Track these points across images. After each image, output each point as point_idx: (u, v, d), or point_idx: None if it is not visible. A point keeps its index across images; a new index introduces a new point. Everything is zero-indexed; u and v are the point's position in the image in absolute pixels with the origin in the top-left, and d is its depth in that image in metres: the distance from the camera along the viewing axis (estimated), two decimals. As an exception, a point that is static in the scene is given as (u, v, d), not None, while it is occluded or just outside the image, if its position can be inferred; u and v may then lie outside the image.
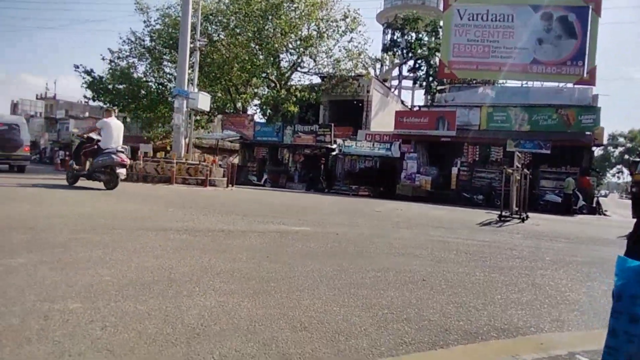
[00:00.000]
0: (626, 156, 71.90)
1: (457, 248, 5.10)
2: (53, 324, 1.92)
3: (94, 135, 9.64)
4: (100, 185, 9.30)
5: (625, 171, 73.51)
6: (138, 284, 2.63)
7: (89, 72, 25.66)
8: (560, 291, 3.34)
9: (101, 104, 28.98)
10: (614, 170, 75.61)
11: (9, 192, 7.78)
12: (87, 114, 48.37)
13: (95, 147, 9.41)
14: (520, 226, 8.61)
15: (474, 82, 23.58)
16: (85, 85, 25.76)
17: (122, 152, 9.48)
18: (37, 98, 60.57)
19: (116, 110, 13.58)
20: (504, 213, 9.64)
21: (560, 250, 5.68)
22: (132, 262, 3.13)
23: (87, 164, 9.52)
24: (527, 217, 9.85)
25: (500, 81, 22.54)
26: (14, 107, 65.23)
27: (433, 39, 31.30)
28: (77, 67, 25.72)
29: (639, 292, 1.14)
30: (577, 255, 5.37)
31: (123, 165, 9.45)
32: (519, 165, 10.35)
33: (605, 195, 46.55)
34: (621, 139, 72.12)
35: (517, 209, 9.95)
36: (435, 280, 3.37)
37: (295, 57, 26.23)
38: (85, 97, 27.22)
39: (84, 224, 4.63)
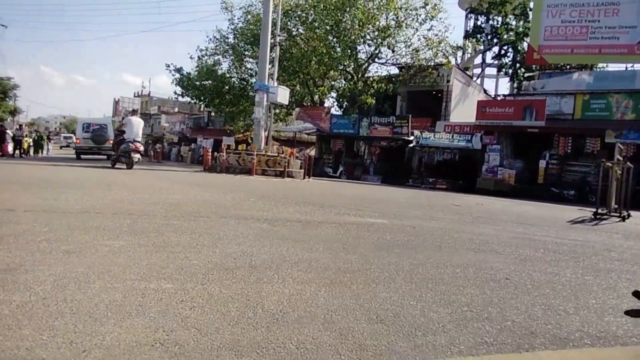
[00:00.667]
0: None
1: (545, 246, 4.74)
2: (149, 302, 2.11)
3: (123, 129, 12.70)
4: (189, 177, 10.00)
5: None
6: (222, 268, 2.80)
7: (178, 70, 27.64)
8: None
9: (189, 99, 31.10)
10: None
11: (115, 179, 8.66)
12: (176, 110, 52.11)
13: (122, 138, 12.45)
14: (620, 225, 7.79)
15: (568, 67, 21.61)
16: (175, 82, 27.80)
17: (138, 142, 12.46)
18: (134, 96, 66.56)
19: (138, 111, 17.77)
20: (600, 210, 8.77)
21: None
22: (216, 248, 3.34)
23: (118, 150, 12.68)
24: (629, 215, 8.85)
25: (600, 65, 20.39)
26: (116, 104, 72.27)
27: (522, 22, 29.08)
28: (168, 66, 27.84)
29: None
30: (691, 260, 4.73)
31: (137, 151, 12.42)
32: (620, 158, 9.33)
33: None
34: None
35: (616, 206, 8.99)
36: (520, 279, 3.17)
37: (372, 48, 25.93)
38: (175, 93, 29.37)
39: (174, 211, 5.01)
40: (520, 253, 4.23)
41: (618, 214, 8.75)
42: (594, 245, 5.18)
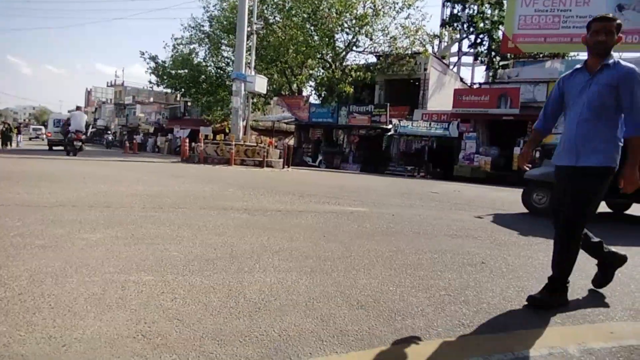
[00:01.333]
0: None
1: (519, 231, 4.89)
2: (129, 294, 2.10)
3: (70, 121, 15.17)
4: (166, 168, 9.84)
5: None
6: (203, 259, 2.79)
7: (153, 58, 27.02)
8: (634, 279, 3.13)
9: (164, 89, 30.46)
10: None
11: (90, 172, 8.46)
12: (151, 99, 50.95)
13: (67, 130, 15.00)
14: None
15: (541, 56, 22.03)
16: (150, 71, 27.15)
17: (80, 132, 14.82)
18: (107, 85, 64.72)
19: (82, 107, 19.26)
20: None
21: (635, 235, 5.28)
22: (196, 239, 3.32)
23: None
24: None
25: (571, 54, 20.85)
26: (88, 94, 70.20)
27: (497, 11, 29.41)
28: (143, 54, 27.15)
29: None
30: (655, 241, 4.96)
31: (79, 140, 14.82)
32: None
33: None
34: None
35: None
36: (495, 263, 3.28)
37: (350, 37, 25.83)
38: (150, 82, 28.71)
39: (152, 203, 4.95)
40: (496, 238, 4.35)
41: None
42: (565, 229, 5.35)
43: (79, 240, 3.04)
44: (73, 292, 2.07)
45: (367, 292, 2.38)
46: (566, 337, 2.01)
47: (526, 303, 2.35)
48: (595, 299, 2.58)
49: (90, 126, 37.28)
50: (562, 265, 2.42)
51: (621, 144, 2.37)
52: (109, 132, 47.73)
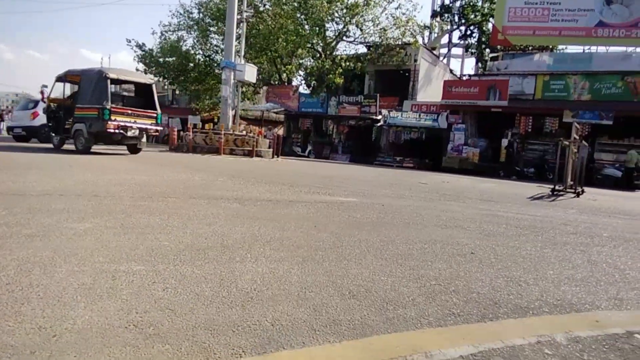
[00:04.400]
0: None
1: (507, 222, 4.96)
2: (120, 284, 2.08)
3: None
4: (155, 156, 9.72)
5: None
6: (194, 249, 2.78)
7: (140, 46, 26.54)
8: (618, 269, 3.20)
9: (152, 76, 30.02)
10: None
11: (72, 160, 8.32)
12: (139, 87, 50.05)
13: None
14: (575, 201, 8.21)
15: (530, 48, 22.17)
16: (137, 59, 26.70)
17: None
18: (93, 72, 63.27)
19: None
20: (557, 187, 9.20)
21: (618, 227, 5.38)
22: (187, 229, 3.30)
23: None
24: (583, 191, 9.34)
25: (560, 47, 21.04)
26: (73, 81, 68.61)
27: (487, 4, 29.45)
28: (130, 41, 26.71)
29: None
30: (638, 232, 5.08)
31: None
32: (577, 137, 9.76)
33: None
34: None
35: (572, 183, 9.46)
36: (484, 253, 3.32)
37: (340, 27, 25.68)
38: (137, 70, 28.23)
39: (141, 192, 4.89)
40: (485, 228, 4.40)
41: (573, 190, 9.21)
42: (552, 220, 5.45)
43: (67, 229, 3.00)
44: (62, 282, 2.04)
45: (358, 282, 2.39)
46: (554, 325, 2.04)
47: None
48: (581, 289, 2.63)
49: None
50: None
51: None
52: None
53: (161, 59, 27.00)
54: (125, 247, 2.70)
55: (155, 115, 11.26)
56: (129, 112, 10.69)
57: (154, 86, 11.79)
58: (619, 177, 16.09)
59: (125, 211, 3.76)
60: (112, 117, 10.13)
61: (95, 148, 11.31)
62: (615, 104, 17.30)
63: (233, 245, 2.94)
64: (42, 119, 14.14)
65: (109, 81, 10.24)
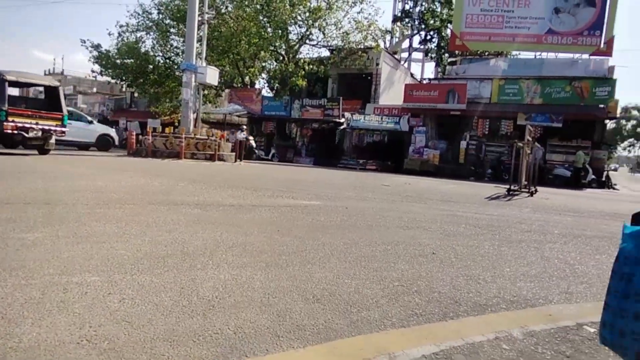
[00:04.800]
0: (639, 129, 70.73)
1: (466, 222, 5.10)
2: (72, 297, 1.98)
3: None
4: (112, 162, 9.38)
5: (637, 145, 72.61)
6: (153, 257, 2.68)
7: (96, 47, 25.57)
8: (569, 264, 3.36)
9: (109, 79, 28.96)
10: (625, 143, 74.47)
11: (27, 166, 7.89)
12: (95, 90, 48.29)
13: None
14: (529, 200, 8.58)
15: (486, 54, 23.03)
16: (93, 60, 25.70)
17: None
18: (45, 74, 60.49)
19: None
20: (512, 187, 9.58)
21: (569, 224, 5.67)
22: (145, 236, 3.19)
23: None
24: (536, 191, 9.78)
25: (514, 53, 21.97)
26: (23, 83, 65.18)
27: (446, 9, 30.38)
28: (84, 42, 25.64)
29: (631, 253, 1.23)
30: (586, 229, 5.36)
31: None
32: (530, 139, 10.21)
33: (615, 169, 45.96)
34: (635, 112, 70.72)
35: (526, 182, 9.88)
36: (445, 253, 3.40)
37: (303, 30, 25.72)
38: (93, 71, 27.16)
39: (97, 199, 4.69)
40: (445, 229, 4.51)
41: (527, 190, 9.63)
42: (508, 219, 5.66)
43: (14, 240, 2.83)
44: (7, 297, 1.92)
45: (322, 286, 2.39)
46: (511, 321, 2.11)
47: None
48: (535, 285, 2.74)
49: None
50: None
51: None
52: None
53: (119, 61, 26.10)
54: (78, 257, 2.57)
55: (60, 116, 11.50)
56: (30, 113, 10.97)
57: (60, 89, 12.13)
58: (568, 177, 16.96)
59: (79, 219, 3.59)
60: (10, 119, 10.33)
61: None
62: (564, 107, 18.24)
63: (194, 252, 2.86)
64: None
65: (6, 83, 10.57)
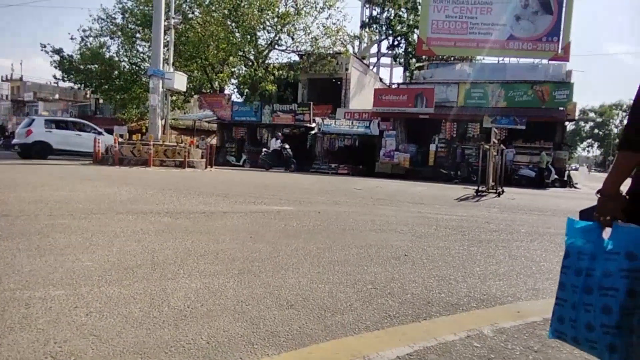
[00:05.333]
0: (596, 130, 74.33)
1: (437, 223, 5.20)
2: (35, 312, 1.90)
3: None
4: (77, 170, 9.08)
5: (595, 145, 76.34)
6: (121, 268, 2.61)
7: (57, 52, 24.73)
8: (535, 261, 3.47)
9: (72, 84, 28.04)
10: (584, 144, 78.14)
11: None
12: (57, 96, 46.64)
13: None
14: (496, 200, 8.83)
15: (452, 58, 23.63)
16: (54, 65, 24.83)
17: None
18: (2, 80, 57.95)
19: None
20: (480, 188, 9.84)
21: (534, 223, 5.86)
22: (113, 247, 3.10)
23: None
24: (503, 191, 10.09)
25: (478, 58, 22.64)
26: (-23, 90, 62.30)
27: (412, 15, 31.03)
28: (44, 46, 24.74)
29: (584, 248, 1.24)
30: (550, 227, 5.56)
31: None
32: (496, 141, 10.53)
33: (576, 169, 48.26)
34: (592, 114, 74.33)
35: (493, 183, 10.17)
36: (417, 255, 3.45)
37: (272, 35, 25.69)
38: (54, 77, 26.23)
39: (60, 210, 4.53)
40: (417, 231, 4.58)
41: (495, 191, 9.92)
42: (477, 220, 5.81)
43: (-29, 254, 2.69)
44: (-35, 315, 1.82)
45: (296, 291, 2.38)
46: (481, 319, 2.17)
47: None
48: (504, 283, 2.82)
49: None
50: None
51: None
52: (6, 132, 42.85)
53: (82, 66, 25.31)
54: (41, 270, 2.47)
55: None
56: None
57: None
58: (532, 177, 17.58)
59: (42, 231, 3.45)
60: None
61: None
62: (527, 110, 18.93)
63: (164, 262, 2.80)
64: None
65: None
